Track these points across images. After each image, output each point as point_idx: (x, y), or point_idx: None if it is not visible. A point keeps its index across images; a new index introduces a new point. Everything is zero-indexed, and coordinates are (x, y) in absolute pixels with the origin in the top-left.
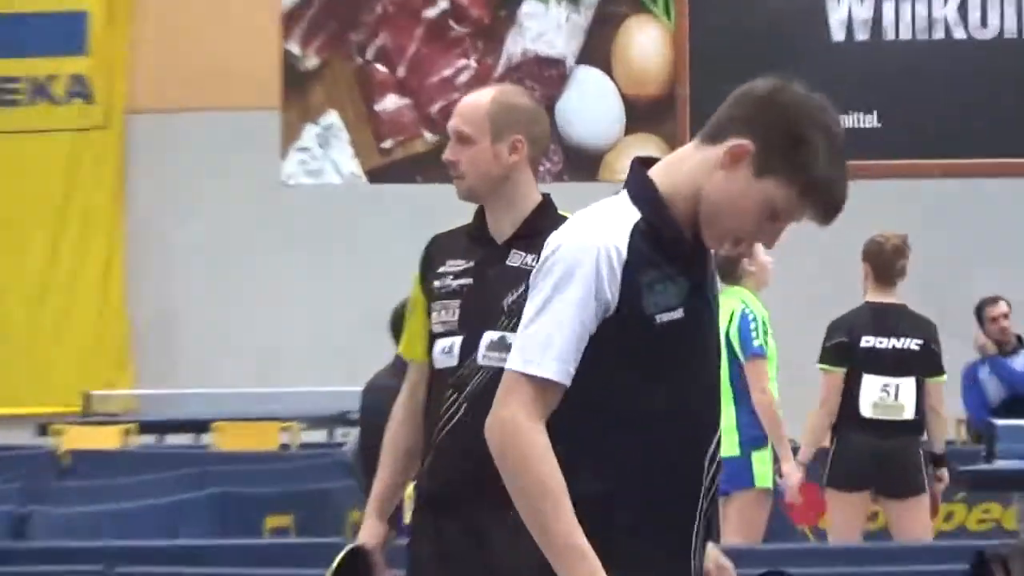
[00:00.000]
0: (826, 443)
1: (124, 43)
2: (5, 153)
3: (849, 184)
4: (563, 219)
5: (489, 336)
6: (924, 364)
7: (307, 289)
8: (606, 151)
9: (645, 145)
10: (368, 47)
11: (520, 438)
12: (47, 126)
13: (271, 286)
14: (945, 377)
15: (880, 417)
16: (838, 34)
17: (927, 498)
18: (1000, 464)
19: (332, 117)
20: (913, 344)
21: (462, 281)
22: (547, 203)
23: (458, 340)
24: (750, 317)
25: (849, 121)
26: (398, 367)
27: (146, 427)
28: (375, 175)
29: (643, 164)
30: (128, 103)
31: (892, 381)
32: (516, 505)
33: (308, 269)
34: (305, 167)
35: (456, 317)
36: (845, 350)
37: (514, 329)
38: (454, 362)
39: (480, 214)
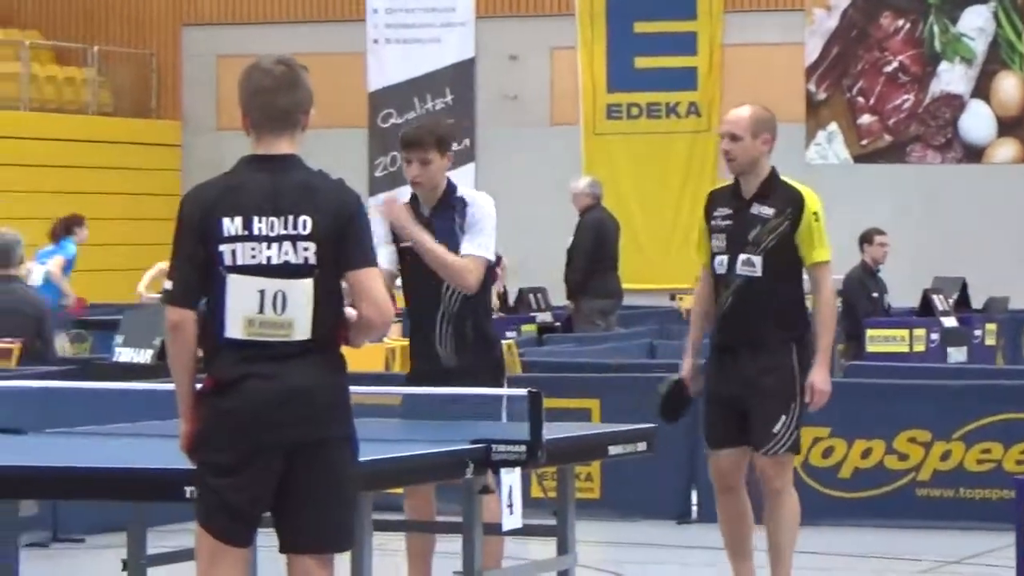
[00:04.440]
0: None
1: (717, 83)
2: (653, 148)
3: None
4: (784, 183)
5: (741, 257)
6: None
7: None
8: (986, 147)
9: (1008, 144)
10: (854, 87)
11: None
12: (674, 130)
13: None
14: None
15: None
16: None
17: None
18: None
19: (833, 127)
20: None
21: (727, 222)
22: (774, 174)
23: (726, 258)
24: None
25: None
26: None
27: None
28: (857, 159)
29: None
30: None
31: None
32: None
33: None
34: (819, 153)
35: (724, 244)
36: None
37: (756, 253)
38: (724, 270)
39: (737, 181)
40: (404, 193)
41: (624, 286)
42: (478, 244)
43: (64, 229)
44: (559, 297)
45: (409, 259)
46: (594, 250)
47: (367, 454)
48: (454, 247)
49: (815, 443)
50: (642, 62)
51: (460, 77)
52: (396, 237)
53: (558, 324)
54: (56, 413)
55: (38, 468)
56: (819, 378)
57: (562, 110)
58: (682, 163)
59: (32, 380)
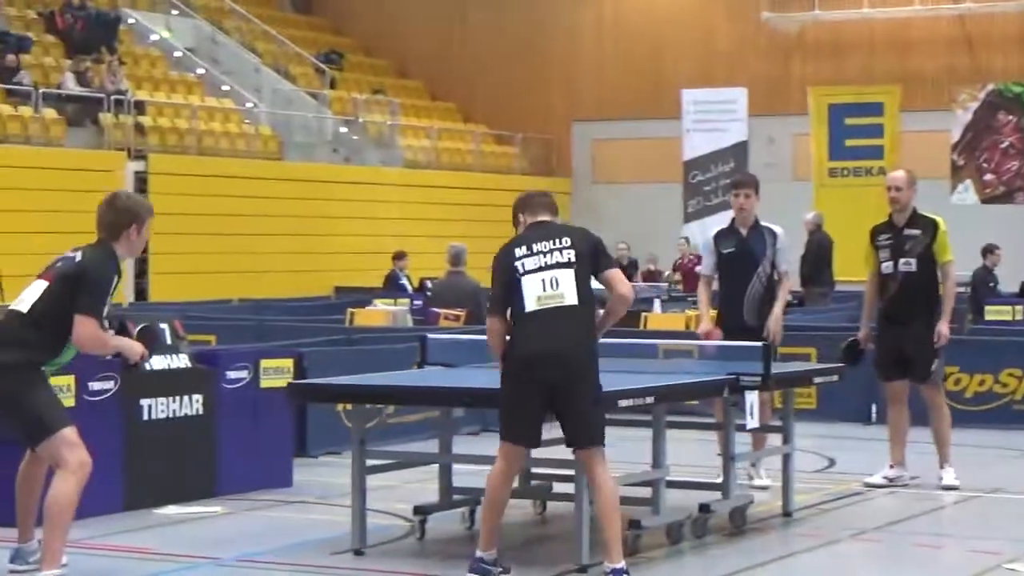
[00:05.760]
0: None
1: (896, 154)
2: (855, 194)
3: None
4: (922, 215)
5: (901, 260)
6: None
7: None
8: None
9: None
10: (981, 157)
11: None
12: (868, 184)
13: None
14: None
15: None
16: None
17: None
18: None
19: (967, 181)
20: None
21: (889, 241)
22: (915, 210)
23: (891, 263)
24: None
25: None
26: None
27: None
28: (983, 201)
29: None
30: None
31: None
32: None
33: None
34: (959, 198)
35: (889, 254)
36: None
37: (911, 257)
38: (891, 271)
39: (891, 216)
40: (722, 221)
41: (836, 278)
42: (785, 262)
43: None
44: (796, 284)
45: (728, 261)
46: (817, 256)
47: (669, 380)
48: (761, 255)
49: (948, 376)
50: (850, 142)
51: (738, 152)
52: (717, 250)
53: (796, 302)
54: (480, 355)
55: (463, 388)
56: (943, 328)
57: (801, 171)
58: (873, 204)
59: (465, 335)
